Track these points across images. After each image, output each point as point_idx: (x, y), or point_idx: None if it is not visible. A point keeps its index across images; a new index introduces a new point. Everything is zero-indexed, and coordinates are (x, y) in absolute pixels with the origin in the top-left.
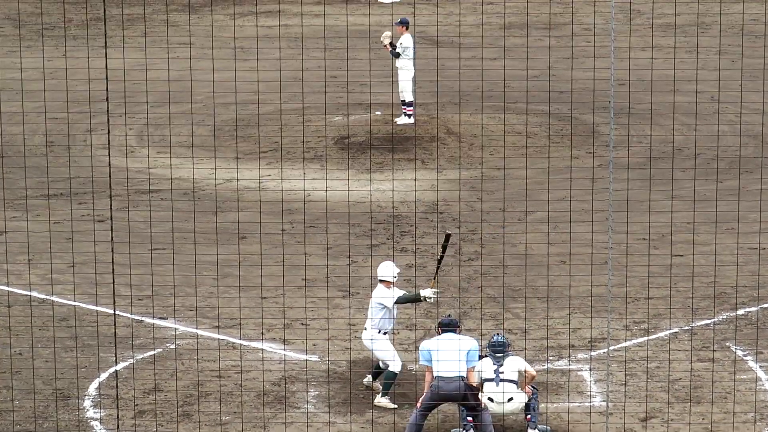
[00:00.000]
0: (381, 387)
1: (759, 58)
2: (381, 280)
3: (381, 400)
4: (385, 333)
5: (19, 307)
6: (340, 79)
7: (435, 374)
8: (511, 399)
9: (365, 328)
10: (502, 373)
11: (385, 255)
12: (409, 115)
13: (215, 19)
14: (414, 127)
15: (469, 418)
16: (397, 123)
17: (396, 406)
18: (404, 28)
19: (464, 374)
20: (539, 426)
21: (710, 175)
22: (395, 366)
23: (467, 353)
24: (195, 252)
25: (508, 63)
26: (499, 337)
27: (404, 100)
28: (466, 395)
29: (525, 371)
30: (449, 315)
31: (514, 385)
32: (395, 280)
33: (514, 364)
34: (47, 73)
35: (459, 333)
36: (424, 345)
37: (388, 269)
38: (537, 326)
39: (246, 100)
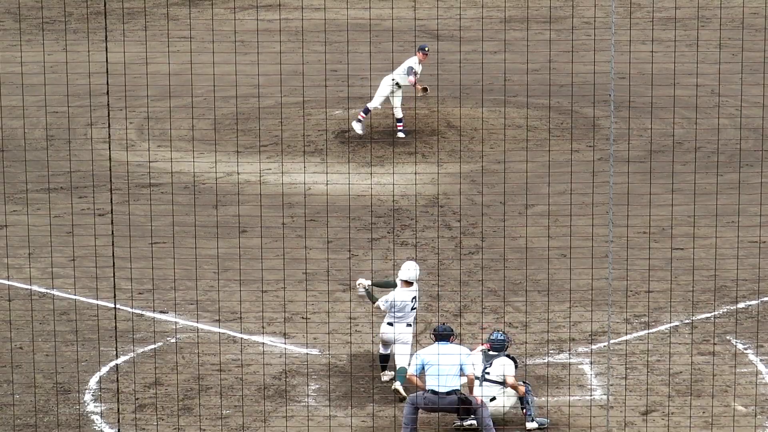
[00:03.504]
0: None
1: (759, 52)
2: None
3: (398, 386)
4: (408, 325)
5: (20, 301)
6: (341, 72)
7: (429, 387)
8: (493, 399)
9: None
10: (488, 374)
11: (386, 249)
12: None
13: (215, 12)
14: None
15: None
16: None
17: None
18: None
19: (458, 387)
20: (537, 419)
21: (710, 168)
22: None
23: (461, 366)
24: (195, 246)
25: (509, 56)
26: (499, 335)
27: (399, 117)
28: (461, 406)
29: (505, 376)
30: (444, 324)
31: (499, 386)
32: (413, 281)
33: (500, 368)
34: (47, 67)
35: (452, 342)
36: (420, 354)
37: (406, 270)
38: (537, 320)
39: (246, 94)
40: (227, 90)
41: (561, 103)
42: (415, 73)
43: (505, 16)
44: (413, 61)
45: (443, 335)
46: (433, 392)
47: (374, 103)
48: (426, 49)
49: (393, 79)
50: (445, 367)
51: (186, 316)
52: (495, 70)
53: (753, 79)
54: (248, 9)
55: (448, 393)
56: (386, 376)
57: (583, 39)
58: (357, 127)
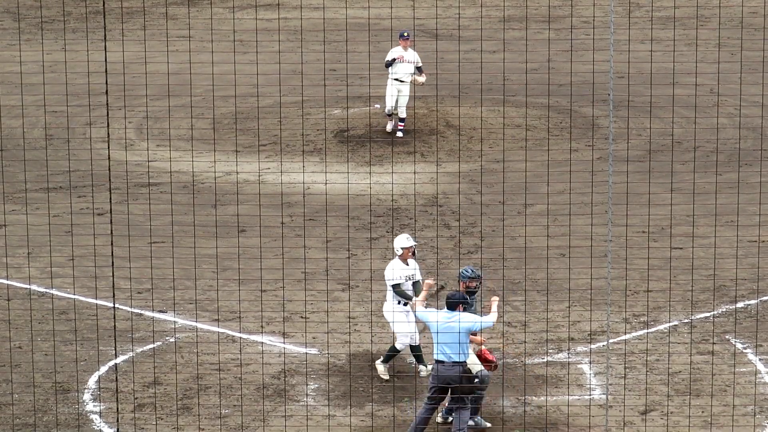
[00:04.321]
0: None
1: (758, 51)
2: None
3: (378, 366)
4: (405, 304)
5: (19, 300)
6: (340, 72)
7: (435, 357)
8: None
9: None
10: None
11: (385, 248)
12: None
13: (214, 12)
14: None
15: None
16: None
17: (388, 378)
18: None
19: (463, 359)
20: (476, 418)
21: (709, 167)
22: (399, 343)
23: (467, 332)
24: (194, 245)
25: (508, 56)
26: (466, 269)
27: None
28: (463, 379)
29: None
30: (455, 291)
31: None
32: (399, 252)
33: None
34: (46, 66)
35: (459, 310)
36: (429, 317)
37: (397, 241)
38: (536, 319)
39: (245, 93)
40: (226, 89)
41: (560, 102)
42: (399, 59)
43: (504, 15)
44: (395, 52)
45: (451, 303)
46: (439, 361)
47: (388, 107)
48: (405, 34)
49: (395, 78)
50: (449, 337)
51: (185, 316)
52: (494, 69)
53: (752, 78)
54: (247, 8)
55: (453, 364)
56: (423, 371)
57: (582, 38)
58: (388, 126)
